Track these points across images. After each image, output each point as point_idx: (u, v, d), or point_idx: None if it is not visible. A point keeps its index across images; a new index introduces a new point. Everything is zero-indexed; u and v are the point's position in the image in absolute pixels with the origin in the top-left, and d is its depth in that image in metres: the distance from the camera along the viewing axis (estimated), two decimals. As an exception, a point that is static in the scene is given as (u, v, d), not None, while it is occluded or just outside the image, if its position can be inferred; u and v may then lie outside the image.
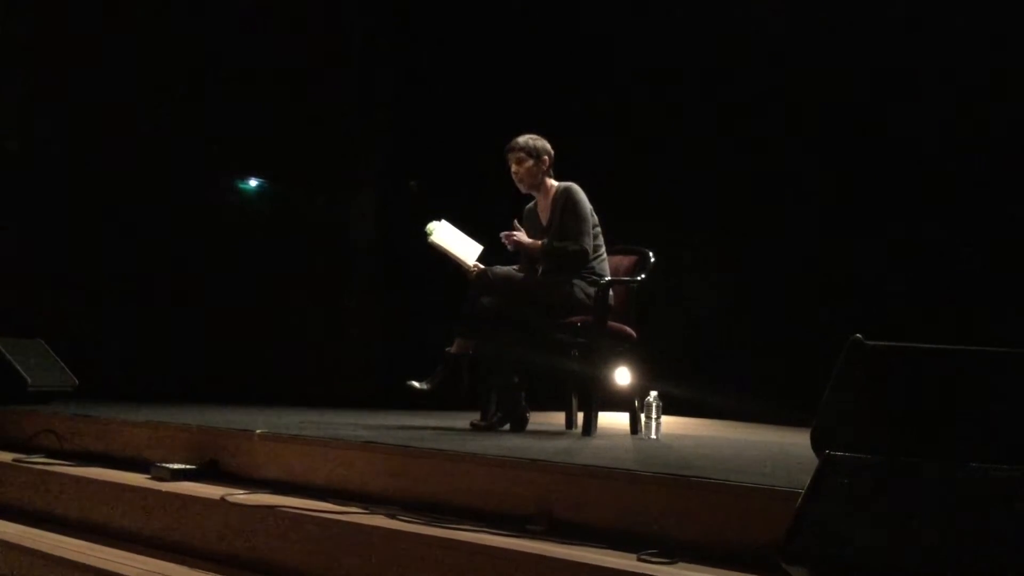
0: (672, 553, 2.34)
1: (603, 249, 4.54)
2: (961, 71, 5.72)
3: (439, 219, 4.59)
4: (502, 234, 4.49)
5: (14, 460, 4.09)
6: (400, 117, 8.11)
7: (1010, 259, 5.52)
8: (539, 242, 4.43)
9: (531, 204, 4.72)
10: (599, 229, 4.52)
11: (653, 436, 4.29)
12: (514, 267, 4.53)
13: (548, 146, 4.58)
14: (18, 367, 5.15)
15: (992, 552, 1.79)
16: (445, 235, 4.56)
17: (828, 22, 6.12)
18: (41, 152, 6.64)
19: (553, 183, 4.60)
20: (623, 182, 6.49)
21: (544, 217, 4.60)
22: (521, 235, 4.47)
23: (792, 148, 6.32)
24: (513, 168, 4.56)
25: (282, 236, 7.81)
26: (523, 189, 4.62)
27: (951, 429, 2.18)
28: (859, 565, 1.87)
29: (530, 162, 4.53)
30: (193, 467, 3.64)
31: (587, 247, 4.40)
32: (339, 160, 8.06)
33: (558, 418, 4.97)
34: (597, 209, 4.53)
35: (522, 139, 4.56)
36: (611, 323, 4.46)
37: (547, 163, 4.57)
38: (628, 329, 4.58)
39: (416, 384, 4.34)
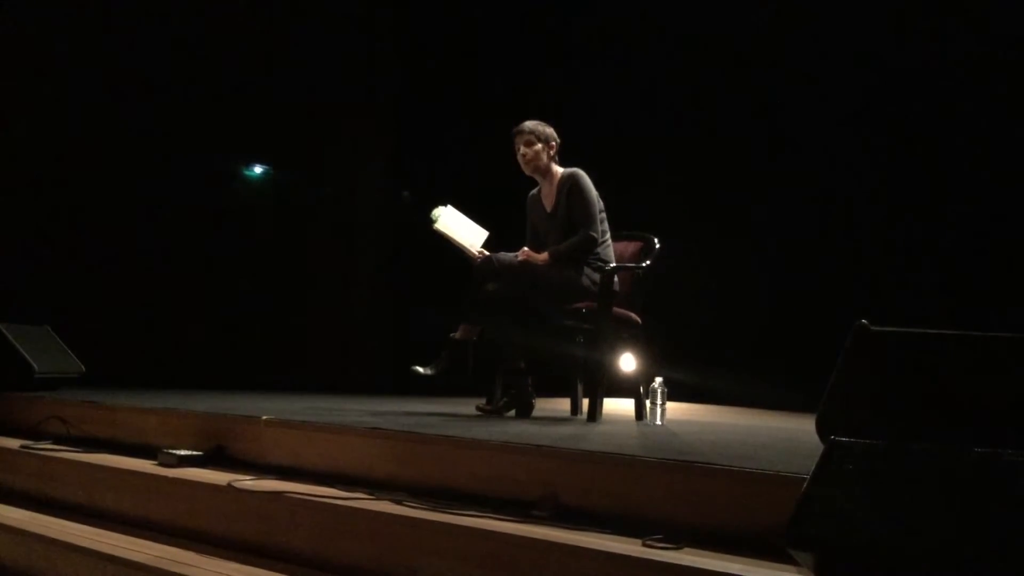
0: (677, 538, 2.35)
1: (608, 235, 4.54)
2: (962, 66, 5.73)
3: (445, 205, 4.58)
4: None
5: (21, 446, 4.11)
6: (405, 102, 8.10)
7: (1015, 245, 5.52)
8: (545, 255, 4.42)
9: (535, 191, 4.71)
10: (604, 214, 4.52)
11: (658, 422, 4.29)
12: (519, 253, 4.51)
13: (555, 133, 4.59)
14: (25, 354, 5.16)
15: (998, 536, 1.79)
16: (451, 221, 4.55)
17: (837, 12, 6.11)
18: (47, 138, 6.65)
19: (558, 169, 4.60)
20: (625, 168, 6.50)
21: (548, 203, 4.60)
22: (528, 252, 4.46)
23: (797, 135, 6.31)
24: (521, 150, 4.56)
25: (287, 222, 7.82)
26: (528, 172, 4.61)
27: (957, 414, 2.18)
28: (864, 550, 1.87)
29: (539, 145, 4.53)
30: (200, 453, 3.66)
31: (594, 232, 4.40)
32: (344, 147, 8.06)
33: (563, 404, 4.97)
34: (602, 194, 4.53)
35: (530, 123, 4.56)
36: (616, 309, 4.45)
37: (554, 148, 4.57)
38: (633, 315, 4.58)
39: (421, 369, 4.34)
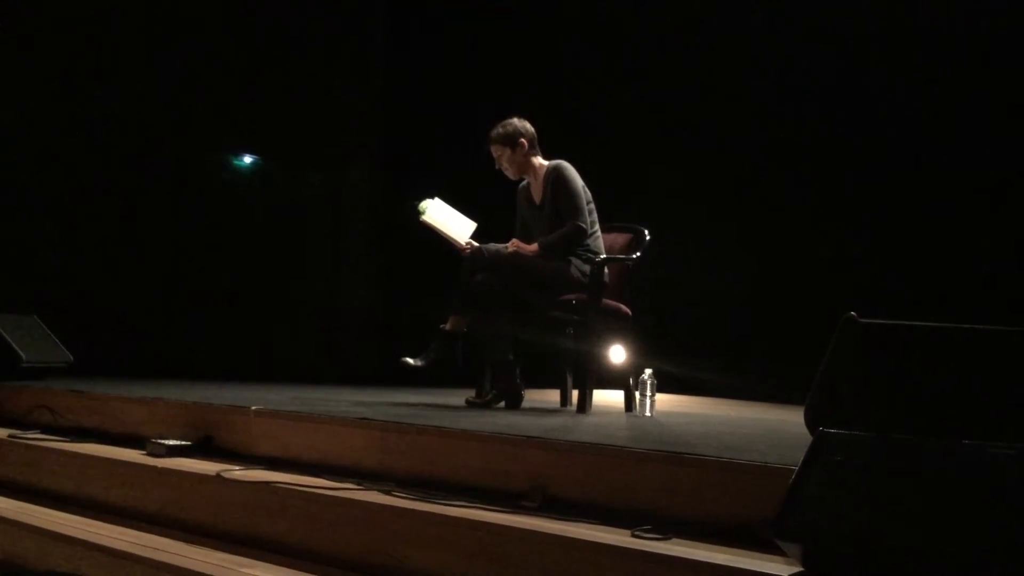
0: (666, 529, 2.35)
1: (597, 226, 4.53)
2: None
3: (432, 196, 4.57)
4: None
5: (9, 436, 4.10)
6: (394, 92, 8.08)
7: (1005, 239, 5.54)
8: (535, 246, 4.41)
9: (523, 183, 4.69)
10: (592, 205, 4.51)
11: (647, 413, 4.30)
12: (509, 244, 4.51)
13: (524, 127, 4.53)
14: (12, 343, 5.14)
15: (985, 529, 1.80)
16: (438, 213, 4.54)
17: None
18: (37, 127, 6.62)
19: (542, 162, 4.58)
20: (617, 159, 6.50)
21: (536, 196, 4.59)
22: (518, 243, 4.46)
23: (788, 126, 6.31)
24: (496, 163, 4.56)
25: (276, 213, 7.80)
26: (512, 177, 4.61)
27: (944, 406, 2.19)
28: (852, 541, 1.88)
29: (508, 151, 4.51)
30: (188, 443, 3.65)
31: (583, 223, 4.39)
32: (333, 136, 8.04)
33: (553, 395, 4.97)
34: (590, 184, 4.52)
35: (494, 131, 4.52)
36: (606, 301, 4.45)
37: (526, 145, 4.51)
38: (623, 307, 4.58)
39: (410, 361, 4.33)
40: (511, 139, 4.50)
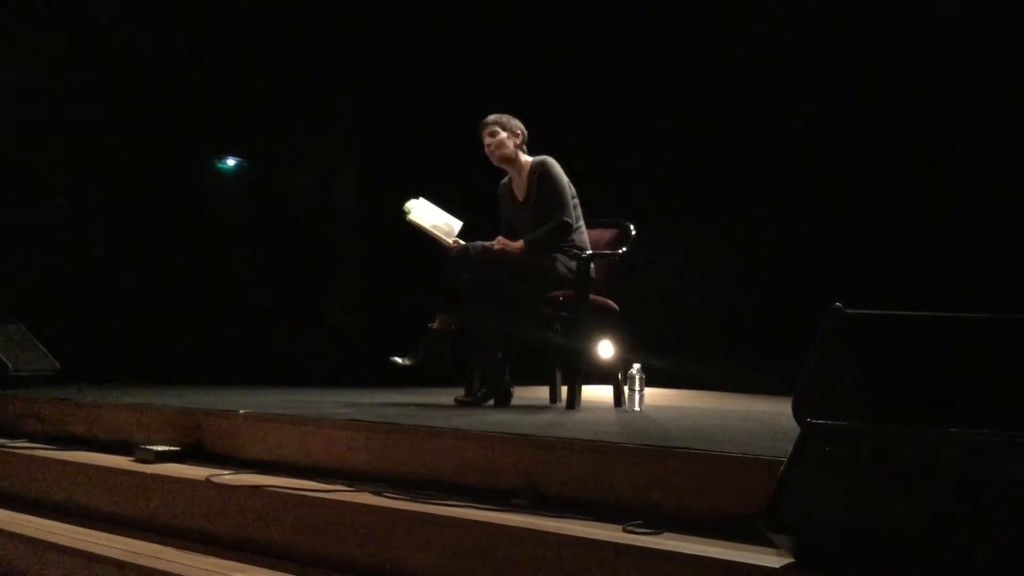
0: (657, 524, 2.36)
1: (582, 221, 4.54)
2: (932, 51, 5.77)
3: (417, 197, 4.57)
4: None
5: (-3, 446, 4.08)
6: (381, 90, 8.07)
7: (993, 227, 5.56)
8: (520, 243, 4.41)
9: (505, 180, 4.70)
10: (577, 200, 4.51)
11: (636, 408, 4.31)
12: (495, 241, 4.50)
13: (521, 125, 4.59)
14: (-1, 352, 5.13)
15: (972, 517, 1.81)
16: (423, 213, 4.54)
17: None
18: (21, 134, 6.59)
19: (527, 158, 4.59)
20: (601, 153, 6.50)
21: (520, 192, 4.59)
22: (504, 241, 4.46)
23: (775, 117, 6.32)
24: (486, 141, 4.55)
25: (263, 215, 7.78)
26: (496, 162, 4.60)
27: (931, 396, 2.20)
28: (841, 531, 1.89)
29: (503, 134, 4.52)
30: (177, 449, 3.64)
31: (568, 218, 4.39)
32: (320, 137, 8.02)
33: (542, 392, 4.98)
34: (575, 181, 4.53)
35: (493, 115, 4.56)
36: (593, 296, 4.46)
37: (520, 138, 4.56)
38: (610, 302, 4.59)
39: (399, 360, 4.33)
40: (512, 127, 4.57)
